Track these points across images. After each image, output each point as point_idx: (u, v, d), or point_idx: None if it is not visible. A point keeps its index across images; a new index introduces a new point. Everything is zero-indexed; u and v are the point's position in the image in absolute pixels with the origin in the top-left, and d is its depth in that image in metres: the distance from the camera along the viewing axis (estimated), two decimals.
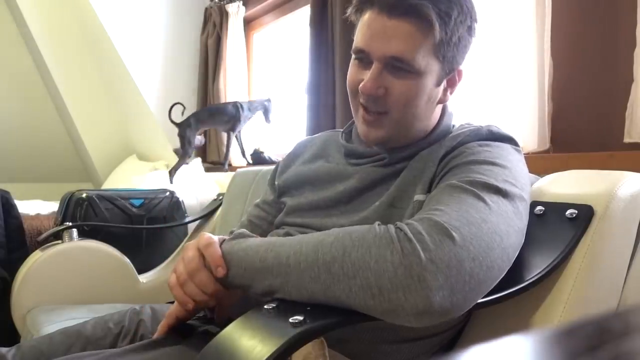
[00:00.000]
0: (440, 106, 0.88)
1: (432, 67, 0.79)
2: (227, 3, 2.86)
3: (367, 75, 0.80)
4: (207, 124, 2.55)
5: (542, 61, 1.37)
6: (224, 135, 2.87)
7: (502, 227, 0.65)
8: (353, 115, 0.88)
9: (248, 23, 2.96)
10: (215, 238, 0.74)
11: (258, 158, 2.56)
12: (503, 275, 0.65)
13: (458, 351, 0.20)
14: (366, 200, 0.84)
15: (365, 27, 0.80)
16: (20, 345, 0.89)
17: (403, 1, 0.75)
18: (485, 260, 0.61)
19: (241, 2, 2.83)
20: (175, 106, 2.42)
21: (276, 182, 1.02)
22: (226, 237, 0.75)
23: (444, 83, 0.83)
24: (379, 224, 0.64)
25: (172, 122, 2.41)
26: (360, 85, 0.80)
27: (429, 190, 0.77)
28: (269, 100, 2.58)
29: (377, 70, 0.79)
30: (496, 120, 1.61)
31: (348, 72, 0.85)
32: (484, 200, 0.65)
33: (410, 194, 0.79)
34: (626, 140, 1.21)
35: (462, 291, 0.58)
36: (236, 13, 2.83)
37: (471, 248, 0.60)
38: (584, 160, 1.25)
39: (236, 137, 2.61)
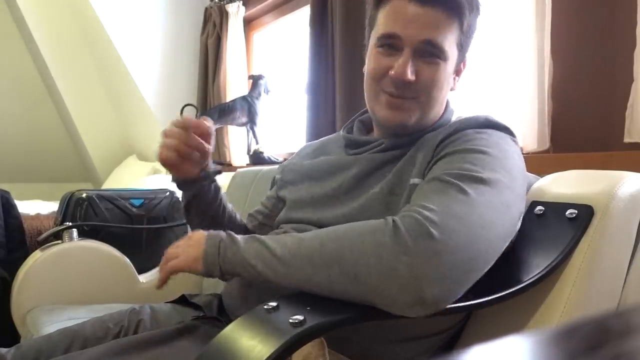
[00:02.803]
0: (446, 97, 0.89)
1: (453, 54, 0.82)
2: (227, 3, 2.86)
3: (396, 61, 0.80)
4: (219, 122, 2.52)
5: (542, 61, 1.37)
6: (224, 135, 2.86)
7: (487, 217, 0.65)
8: (370, 102, 0.88)
9: (248, 23, 2.96)
10: None
11: (258, 158, 2.56)
12: (490, 265, 0.65)
13: (458, 351, 0.20)
14: (365, 187, 0.84)
15: (395, 14, 0.81)
16: (20, 346, 0.89)
17: None
18: (467, 252, 0.62)
19: (241, 2, 2.82)
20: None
21: (278, 176, 1.04)
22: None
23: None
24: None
25: None
26: (392, 72, 0.81)
27: (423, 174, 0.78)
28: (260, 77, 2.58)
29: (408, 56, 0.80)
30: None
31: (370, 61, 0.86)
32: (467, 193, 0.66)
33: (407, 179, 0.80)
34: (626, 140, 1.21)
35: (443, 283, 0.59)
36: (236, 13, 2.83)
37: (450, 242, 0.61)
38: (584, 160, 1.25)
39: (253, 130, 2.58)
